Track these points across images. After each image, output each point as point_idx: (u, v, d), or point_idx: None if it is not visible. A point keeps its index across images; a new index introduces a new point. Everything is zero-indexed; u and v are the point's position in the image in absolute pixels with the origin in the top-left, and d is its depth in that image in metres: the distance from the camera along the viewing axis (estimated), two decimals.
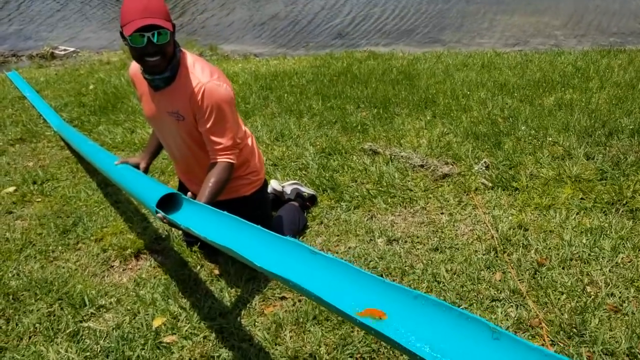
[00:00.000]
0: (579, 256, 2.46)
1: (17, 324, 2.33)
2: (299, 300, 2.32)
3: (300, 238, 2.81)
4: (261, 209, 2.66)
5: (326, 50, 8.13)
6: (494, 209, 2.89)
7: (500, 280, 2.33)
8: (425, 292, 2.26)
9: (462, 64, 5.96)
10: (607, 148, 3.49)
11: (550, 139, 3.69)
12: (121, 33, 2.07)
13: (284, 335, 2.14)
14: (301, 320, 2.20)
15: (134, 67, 2.37)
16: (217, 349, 2.11)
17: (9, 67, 8.03)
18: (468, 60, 6.16)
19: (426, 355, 0.89)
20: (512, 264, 2.43)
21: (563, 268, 2.39)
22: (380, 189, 3.20)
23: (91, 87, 6.19)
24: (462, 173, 3.30)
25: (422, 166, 3.41)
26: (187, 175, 2.62)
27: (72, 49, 8.88)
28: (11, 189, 3.66)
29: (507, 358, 0.84)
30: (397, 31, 9.22)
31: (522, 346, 0.83)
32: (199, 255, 2.70)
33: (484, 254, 2.52)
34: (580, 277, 2.33)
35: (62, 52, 8.72)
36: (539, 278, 2.33)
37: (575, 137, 3.67)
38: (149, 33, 2.00)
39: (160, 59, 2.09)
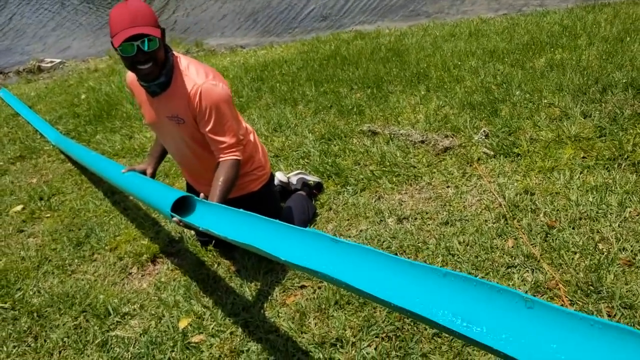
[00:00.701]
0: (588, 215, 2.50)
1: (45, 340, 2.38)
2: (319, 287, 2.36)
3: (311, 226, 2.84)
4: (271, 202, 2.70)
5: (312, 34, 8.10)
6: (498, 177, 2.92)
7: (513, 247, 2.37)
8: (440, 266, 2.32)
9: (449, 35, 5.96)
10: (603, 104, 3.51)
11: (546, 101, 3.71)
12: (112, 43, 2.08)
13: (309, 322, 2.19)
14: (323, 306, 2.24)
15: (131, 75, 2.38)
16: (245, 343, 2.15)
17: None
18: (455, 30, 6.16)
19: (465, 331, 0.93)
20: (522, 230, 2.47)
21: (573, 228, 2.43)
22: (384, 169, 3.23)
23: (83, 96, 6.18)
24: (463, 144, 3.33)
25: (422, 142, 3.44)
26: (194, 177, 2.65)
27: (58, 60, 8.84)
28: (19, 207, 3.68)
29: (542, 325, 0.88)
30: (381, 7, 9.17)
31: (557, 312, 0.87)
32: (214, 254, 2.73)
33: (494, 223, 2.56)
34: (590, 235, 2.37)
35: (49, 65, 8.67)
36: (550, 240, 2.37)
37: (570, 97, 3.69)
38: (137, 41, 2.01)
39: (152, 65, 2.10)
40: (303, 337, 2.12)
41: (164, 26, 2.15)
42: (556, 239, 2.37)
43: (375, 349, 2.00)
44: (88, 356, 2.23)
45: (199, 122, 2.24)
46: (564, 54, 4.59)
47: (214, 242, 2.76)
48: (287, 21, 9.49)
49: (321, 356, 2.01)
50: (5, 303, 2.66)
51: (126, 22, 1.99)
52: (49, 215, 3.51)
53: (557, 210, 2.57)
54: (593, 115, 3.37)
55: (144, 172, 2.56)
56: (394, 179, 3.10)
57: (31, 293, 2.72)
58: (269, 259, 2.47)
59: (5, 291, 2.76)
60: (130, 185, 2.49)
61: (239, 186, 2.48)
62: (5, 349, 2.36)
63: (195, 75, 2.20)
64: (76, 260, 2.92)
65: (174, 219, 2.00)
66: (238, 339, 2.18)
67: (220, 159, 2.27)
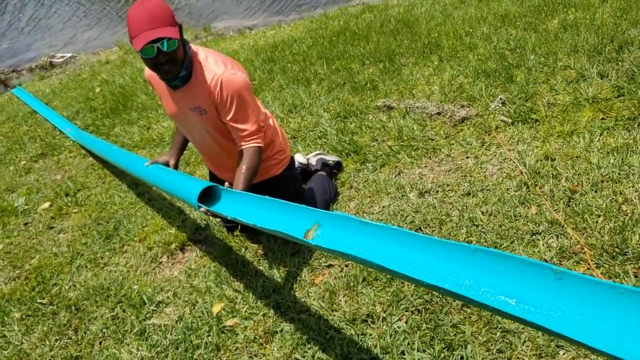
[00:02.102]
0: (610, 177, 2.49)
1: (85, 332, 2.46)
2: (346, 266, 2.41)
3: (334, 205, 2.88)
4: (294, 185, 2.74)
5: (319, 10, 8.05)
6: (517, 144, 2.92)
7: (536, 214, 2.39)
8: (465, 238, 2.34)
9: (459, 1, 5.89)
10: (620, 63, 3.47)
11: (561, 63, 3.67)
12: (132, 44, 2.10)
13: (339, 300, 2.23)
14: (352, 284, 2.29)
15: (149, 69, 2.41)
16: (279, 324, 2.21)
17: (13, 84, 8.10)
18: None
19: (497, 304, 0.96)
20: (545, 196, 2.48)
21: (596, 191, 2.43)
22: (402, 143, 3.24)
23: (97, 90, 6.24)
24: (480, 113, 3.32)
25: (438, 114, 3.44)
26: (216, 165, 2.70)
27: (69, 55, 8.90)
28: (46, 204, 3.77)
29: (573, 295, 0.90)
30: None
31: (586, 282, 0.89)
32: (241, 239, 2.79)
33: (516, 191, 2.57)
34: (613, 197, 2.37)
35: (60, 60, 8.74)
36: (573, 205, 2.38)
37: (585, 58, 3.65)
38: (157, 43, 2.03)
39: (172, 65, 2.14)
40: (334, 315, 2.17)
41: (180, 21, 2.16)
42: (579, 204, 2.37)
43: (406, 322, 2.05)
44: (128, 345, 2.31)
45: (221, 111, 2.28)
46: (577, 14, 4.52)
47: (239, 227, 2.81)
48: None
49: (353, 332, 2.06)
50: (43, 299, 2.75)
51: (144, 23, 2.01)
52: (76, 210, 3.59)
53: (579, 174, 2.57)
54: (610, 75, 3.33)
55: (166, 164, 2.61)
56: (413, 153, 3.12)
57: (67, 287, 2.80)
58: (295, 242, 2.53)
59: (42, 287, 2.85)
60: (155, 178, 2.54)
61: (262, 171, 2.52)
62: (47, 342, 2.44)
63: (215, 66, 2.23)
64: (107, 253, 3.00)
65: (201, 209, 2.05)
66: (271, 321, 2.24)
67: (242, 147, 2.30)
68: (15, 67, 9.28)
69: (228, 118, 2.26)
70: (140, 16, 2.01)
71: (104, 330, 2.44)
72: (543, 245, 2.21)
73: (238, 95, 2.22)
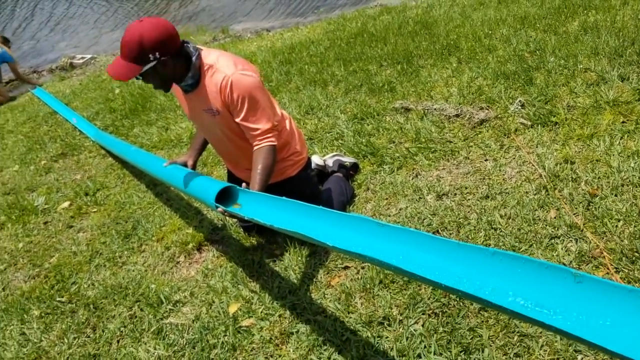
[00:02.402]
0: (630, 181, 2.46)
1: (103, 331, 2.48)
2: (362, 268, 2.40)
3: (350, 207, 2.88)
4: (310, 186, 2.74)
5: (337, 12, 8.06)
6: (537, 147, 2.90)
7: (555, 217, 2.36)
8: (483, 241, 2.33)
9: (478, 3, 5.85)
10: None
11: (581, 66, 3.63)
12: None
13: (355, 302, 2.23)
14: (368, 286, 2.28)
15: None
16: (294, 325, 2.21)
17: (33, 84, 8.21)
18: None
19: (515, 307, 0.95)
20: (564, 200, 2.45)
21: (616, 195, 2.40)
22: (420, 145, 3.22)
23: (117, 91, 6.31)
24: (499, 116, 3.30)
25: (457, 115, 3.42)
26: (233, 165, 2.73)
27: (89, 56, 9.01)
28: (66, 204, 3.82)
29: (592, 299, 0.89)
30: None
31: (606, 285, 0.88)
32: (257, 239, 2.80)
33: (535, 194, 2.55)
34: (634, 201, 2.33)
35: (80, 61, 8.85)
36: (593, 209, 2.35)
37: (606, 60, 3.60)
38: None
39: (161, 84, 2.28)
40: (350, 317, 2.17)
41: (161, 53, 2.16)
42: (599, 207, 2.34)
43: (422, 325, 2.04)
44: (145, 344, 2.33)
45: (233, 112, 2.30)
46: (597, 16, 4.46)
47: (256, 228, 2.82)
48: (311, 0, 9.43)
49: (369, 334, 2.06)
50: (62, 297, 2.79)
51: (121, 52, 2.14)
52: (95, 210, 3.63)
53: (599, 177, 2.54)
54: (631, 77, 3.29)
55: (185, 165, 2.63)
56: (431, 155, 3.10)
57: (86, 286, 2.83)
58: (312, 243, 2.53)
59: (61, 285, 2.89)
60: (174, 178, 2.56)
61: (277, 172, 2.53)
62: (66, 340, 2.47)
63: (225, 67, 2.26)
64: (126, 252, 3.03)
65: (219, 209, 2.06)
66: (287, 322, 2.24)
67: (256, 147, 2.32)
68: (36, 68, 9.41)
69: (240, 118, 2.28)
70: (121, 42, 2.14)
71: (122, 328, 2.46)
72: (562, 249, 2.19)
73: (249, 95, 2.24)
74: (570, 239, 2.23)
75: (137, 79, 2.18)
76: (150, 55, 2.11)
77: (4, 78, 8.47)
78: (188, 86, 2.32)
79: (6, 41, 8.10)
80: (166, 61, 2.17)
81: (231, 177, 2.83)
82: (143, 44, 2.09)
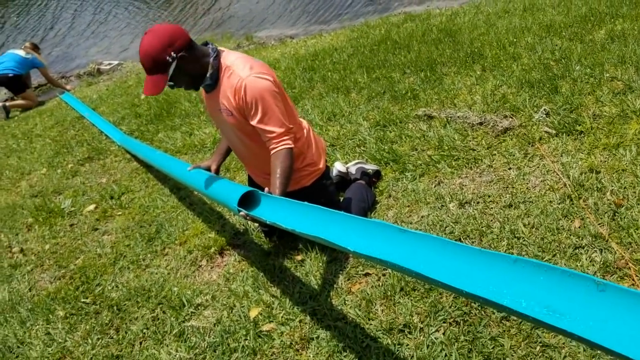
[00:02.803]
0: None
1: (126, 332, 2.52)
2: (383, 275, 2.40)
3: (372, 214, 2.87)
4: (324, 196, 2.71)
5: (360, 20, 8.07)
6: (561, 156, 2.86)
7: (580, 227, 2.33)
8: (506, 250, 2.31)
9: (503, 11, 5.81)
10: None
11: (608, 74, 3.58)
12: None
13: (375, 309, 2.23)
14: (389, 293, 2.28)
15: None
16: (315, 331, 2.22)
17: (61, 89, 8.38)
18: (508, 5, 6.00)
19: (537, 314, 0.94)
20: (589, 209, 2.42)
21: None
22: (442, 153, 3.21)
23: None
24: (523, 124, 3.27)
25: (480, 124, 3.40)
26: (251, 168, 2.79)
27: (116, 62, 9.16)
28: (92, 207, 3.88)
29: (615, 307, 0.88)
30: None
31: (629, 294, 0.87)
32: (279, 245, 2.81)
33: (559, 203, 2.52)
34: None
35: (108, 67, 9.00)
36: (618, 219, 2.32)
37: (633, 69, 3.55)
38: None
39: (184, 84, 2.36)
40: (371, 324, 2.17)
41: (175, 54, 2.24)
42: (624, 218, 2.31)
43: (443, 333, 2.02)
44: (167, 346, 2.35)
45: (247, 115, 2.33)
46: (625, 24, 4.40)
47: (278, 233, 2.83)
48: (335, 7, 9.46)
49: (389, 342, 2.05)
50: (87, 298, 2.83)
51: (145, 70, 2.25)
52: (120, 213, 3.68)
53: (625, 187, 2.50)
54: None
55: (208, 169, 2.67)
56: (453, 163, 3.09)
57: (110, 288, 2.87)
58: (332, 248, 2.54)
59: (85, 287, 2.94)
60: (197, 182, 2.60)
61: (292, 181, 2.53)
62: (90, 341, 2.51)
63: (241, 70, 2.30)
64: (149, 255, 3.07)
65: (241, 213, 2.08)
66: (307, 327, 2.25)
67: (273, 150, 2.33)
68: (64, 74, 9.60)
69: (255, 121, 2.31)
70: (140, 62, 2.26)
71: (144, 330, 2.49)
72: (586, 259, 2.16)
73: (262, 98, 2.26)
74: (595, 249, 2.20)
75: (171, 87, 2.28)
76: (168, 58, 2.20)
77: (33, 83, 8.66)
78: (207, 86, 2.39)
79: (36, 48, 8.28)
80: (184, 56, 2.24)
81: (251, 183, 2.85)
82: (155, 52, 2.18)
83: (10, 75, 7.68)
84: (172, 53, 2.19)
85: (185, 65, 2.25)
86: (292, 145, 2.36)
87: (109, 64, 9.13)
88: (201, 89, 2.47)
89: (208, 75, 2.33)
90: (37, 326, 2.71)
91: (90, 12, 13.35)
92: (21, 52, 7.97)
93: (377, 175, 3.16)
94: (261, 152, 2.44)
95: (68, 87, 8.48)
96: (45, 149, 5.59)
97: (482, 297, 1.03)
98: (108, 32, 11.71)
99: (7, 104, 7.76)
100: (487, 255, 1.10)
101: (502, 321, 2.00)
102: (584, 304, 0.93)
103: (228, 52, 2.39)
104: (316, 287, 2.47)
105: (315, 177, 2.69)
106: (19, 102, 7.92)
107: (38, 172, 4.95)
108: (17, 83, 7.85)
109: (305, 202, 1.83)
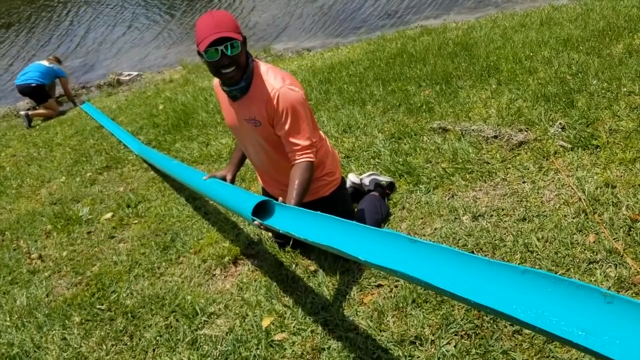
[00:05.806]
0: None
1: (140, 339, 2.54)
2: (395, 286, 2.40)
3: (385, 225, 2.88)
4: (342, 206, 2.74)
5: (377, 33, 8.11)
6: (577, 170, 2.85)
7: (594, 242, 2.32)
8: (519, 263, 2.30)
9: (519, 25, 5.81)
10: None
11: (625, 89, 3.57)
12: (198, 52, 2.23)
13: (387, 321, 2.23)
14: (401, 305, 2.28)
15: (216, 80, 2.52)
16: (326, 341, 2.22)
17: (82, 99, 8.52)
18: (525, 19, 6.00)
19: (545, 325, 0.95)
20: (604, 224, 2.40)
21: None
22: (457, 166, 3.21)
23: (161, 107, 6.49)
24: (538, 138, 3.26)
25: (495, 137, 3.40)
26: (267, 181, 2.78)
27: (135, 73, 9.29)
28: (109, 215, 3.93)
29: (623, 319, 0.89)
30: (446, 0, 9.04)
31: (637, 306, 0.88)
32: (292, 255, 2.83)
33: (573, 218, 2.51)
34: None
35: (127, 77, 9.13)
36: (634, 234, 2.30)
37: None
38: (221, 46, 2.16)
39: (235, 69, 2.25)
40: (382, 335, 2.17)
41: (245, 34, 2.28)
42: None
43: (454, 346, 2.02)
44: (180, 354, 2.37)
45: (276, 125, 2.35)
46: None
47: (291, 243, 2.85)
48: (352, 21, 9.53)
49: (401, 354, 2.05)
50: (102, 305, 2.87)
51: (211, 27, 2.16)
52: (136, 221, 3.73)
53: None
54: None
55: (223, 178, 2.70)
56: (467, 176, 3.09)
57: (124, 295, 2.91)
58: (345, 259, 2.55)
59: (101, 294, 2.97)
60: (212, 191, 2.63)
61: (310, 191, 2.54)
62: (104, 347, 2.54)
63: (274, 80, 2.32)
64: (164, 264, 3.10)
65: (255, 222, 2.10)
66: (319, 337, 2.26)
67: (295, 162, 2.35)
68: (84, 84, 9.76)
69: (282, 132, 2.33)
70: (208, 22, 2.17)
71: (158, 338, 2.52)
72: (600, 274, 2.14)
73: (293, 110, 2.29)
74: (610, 264, 2.19)
75: (227, 54, 2.18)
76: (241, 32, 2.24)
77: (55, 94, 8.83)
78: (239, 90, 2.35)
79: (58, 61, 8.50)
80: (245, 43, 2.28)
81: (265, 194, 2.87)
82: (236, 21, 2.23)
83: (33, 84, 7.84)
84: (241, 33, 2.24)
85: (245, 48, 2.29)
86: (314, 159, 2.38)
87: (129, 74, 9.27)
88: (225, 97, 2.48)
89: (245, 76, 2.31)
90: (54, 331, 2.75)
91: (111, 24, 13.58)
92: (45, 63, 8.19)
93: (391, 187, 3.17)
94: (282, 163, 2.46)
95: (82, 99, 8.64)
96: (65, 157, 5.68)
97: (489, 307, 1.03)
98: (127, 43, 11.90)
99: (30, 112, 7.90)
100: (495, 265, 1.11)
101: (514, 335, 1.99)
102: (592, 316, 0.93)
103: (259, 62, 2.43)
104: (328, 297, 2.47)
105: (333, 187, 2.72)
106: (41, 111, 8.06)
107: (57, 180, 5.03)
108: (40, 92, 8.01)
109: (318, 212, 1.85)
